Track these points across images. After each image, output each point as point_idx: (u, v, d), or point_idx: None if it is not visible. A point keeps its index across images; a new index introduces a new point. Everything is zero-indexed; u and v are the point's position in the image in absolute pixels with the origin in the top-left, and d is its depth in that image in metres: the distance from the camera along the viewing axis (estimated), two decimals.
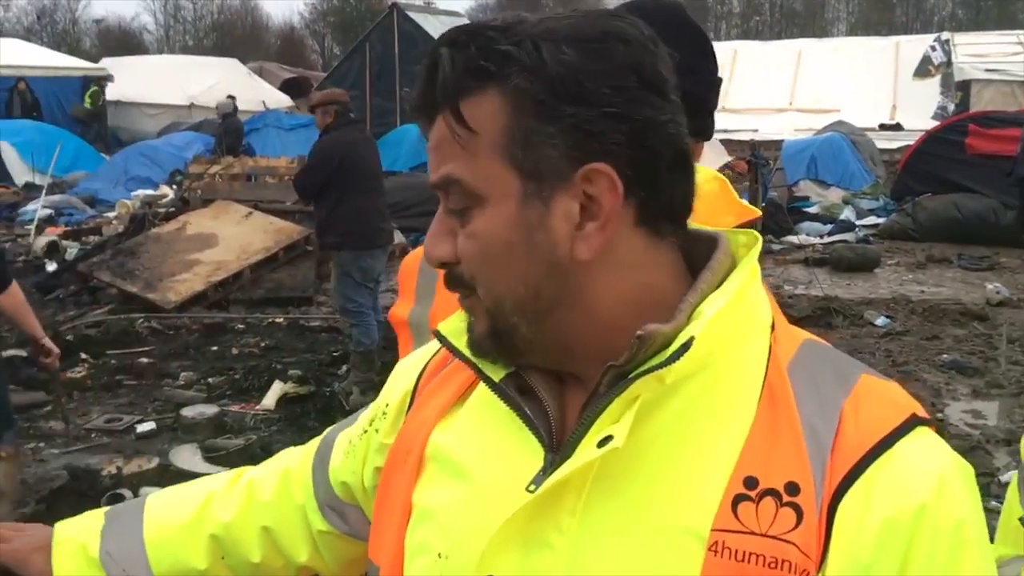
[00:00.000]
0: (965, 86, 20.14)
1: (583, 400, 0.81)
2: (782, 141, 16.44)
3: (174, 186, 13.17)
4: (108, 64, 24.28)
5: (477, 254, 0.79)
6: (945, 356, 7.09)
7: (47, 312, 8.32)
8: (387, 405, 1.00)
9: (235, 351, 7.25)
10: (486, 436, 0.87)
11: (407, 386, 0.99)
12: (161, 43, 49.01)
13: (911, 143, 14.58)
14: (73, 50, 35.98)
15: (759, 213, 1.53)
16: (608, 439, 0.75)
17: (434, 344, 1.00)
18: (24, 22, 46.77)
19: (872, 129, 18.67)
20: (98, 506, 4.12)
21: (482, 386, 0.89)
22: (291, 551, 1.10)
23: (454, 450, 0.88)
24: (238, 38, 46.30)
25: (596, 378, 0.79)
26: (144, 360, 6.97)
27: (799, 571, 0.72)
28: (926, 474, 0.74)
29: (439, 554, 0.84)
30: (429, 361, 0.99)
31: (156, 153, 15.08)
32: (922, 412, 0.79)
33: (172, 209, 10.77)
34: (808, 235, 12.25)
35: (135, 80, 22.84)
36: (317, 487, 1.08)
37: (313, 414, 5.84)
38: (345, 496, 1.05)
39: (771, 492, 0.74)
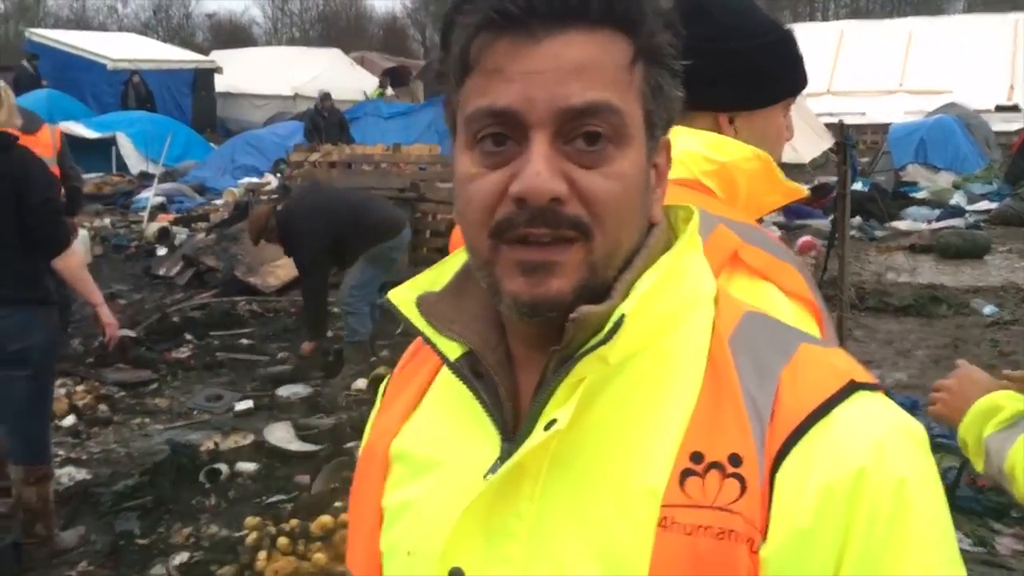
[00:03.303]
0: None
1: (535, 383, 0.80)
2: (889, 124, 15.89)
3: (277, 174, 13.56)
4: (217, 56, 25.13)
5: (619, 196, 0.75)
6: None
7: (157, 295, 8.73)
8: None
9: (330, 334, 7.43)
10: (446, 428, 0.87)
11: (383, 386, 0.99)
12: (269, 35, 50.38)
13: None
14: (186, 43, 37.28)
15: (807, 193, 1.49)
16: (554, 422, 0.75)
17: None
18: (141, 17, 48.79)
19: (988, 111, 17.85)
20: (197, 479, 4.30)
21: (440, 380, 0.89)
22: None
23: (416, 447, 0.89)
24: (342, 29, 47.22)
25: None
26: (244, 341, 7.23)
27: (744, 540, 0.72)
28: (864, 438, 0.73)
29: (408, 552, 0.85)
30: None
31: (261, 142, 15.56)
32: (863, 377, 0.77)
33: (275, 196, 11.10)
34: (915, 221, 11.82)
35: (243, 72, 23.58)
36: None
37: None
38: None
39: (716, 465, 0.74)
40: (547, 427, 0.75)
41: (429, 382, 0.92)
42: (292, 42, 44.54)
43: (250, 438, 5.16)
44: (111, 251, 10.80)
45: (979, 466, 1.67)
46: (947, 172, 14.01)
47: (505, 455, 0.79)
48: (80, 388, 5.90)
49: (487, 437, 0.81)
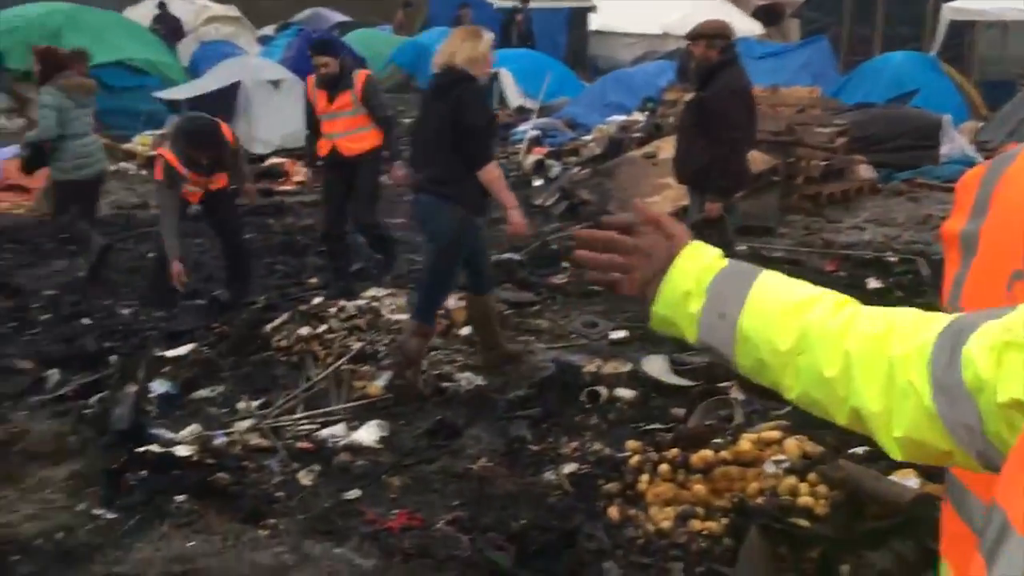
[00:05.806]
0: None
1: None
2: None
3: (646, 112, 13.74)
4: None
5: None
6: None
7: (534, 222, 9.28)
8: None
9: None
10: None
11: None
12: None
13: None
14: None
15: None
16: None
17: None
18: None
19: None
20: (578, 398, 4.55)
21: None
22: (864, 390, 1.03)
23: None
24: None
25: None
26: None
27: None
28: None
29: None
30: None
31: (631, 80, 15.82)
32: None
33: (643, 135, 11.30)
34: None
35: (615, 10, 23.95)
36: (935, 362, 0.98)
37: None
38: (971, 385, 0.94)
39: None
40: None
41: None
42: None
43: (628, 366, 5.39)
44: None
45: None
46: None
47: None
48: None
49: None
